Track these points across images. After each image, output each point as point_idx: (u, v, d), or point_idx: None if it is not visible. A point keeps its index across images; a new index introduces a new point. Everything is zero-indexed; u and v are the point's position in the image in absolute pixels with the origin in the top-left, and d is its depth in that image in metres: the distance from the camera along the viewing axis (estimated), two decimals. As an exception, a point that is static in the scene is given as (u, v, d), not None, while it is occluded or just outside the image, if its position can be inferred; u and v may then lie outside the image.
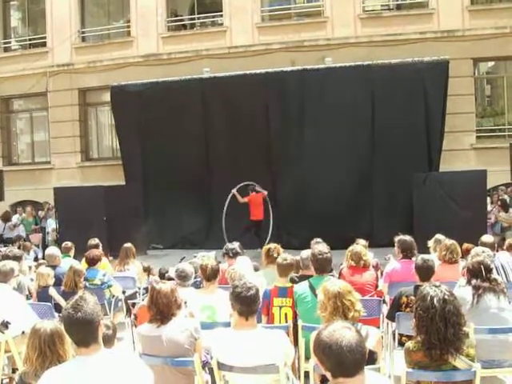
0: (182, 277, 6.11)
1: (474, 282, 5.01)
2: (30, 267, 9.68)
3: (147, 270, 8.71)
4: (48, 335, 3.67)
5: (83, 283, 7.49)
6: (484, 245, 7.35)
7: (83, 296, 3.27)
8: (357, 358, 2.59)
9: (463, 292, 5.00)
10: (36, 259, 13.13)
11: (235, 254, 7.72)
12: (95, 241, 9.53)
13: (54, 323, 3.85)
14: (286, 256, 6.15)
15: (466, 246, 7.69)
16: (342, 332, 2.64)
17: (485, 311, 4.88)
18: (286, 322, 5.59)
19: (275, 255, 6.85)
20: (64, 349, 3.68)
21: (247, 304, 4.19)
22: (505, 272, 7.03)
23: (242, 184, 14.91)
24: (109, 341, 4.25)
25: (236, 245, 7.92)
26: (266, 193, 14.95)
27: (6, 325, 5.33)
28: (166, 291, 4.50)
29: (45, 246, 14.92)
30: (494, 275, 5.26)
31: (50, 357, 3.62)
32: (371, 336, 3.99)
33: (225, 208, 15.00)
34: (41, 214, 17.49)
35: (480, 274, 5.02)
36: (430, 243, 8.06)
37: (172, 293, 4.53)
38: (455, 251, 6.92)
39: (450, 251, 6.93)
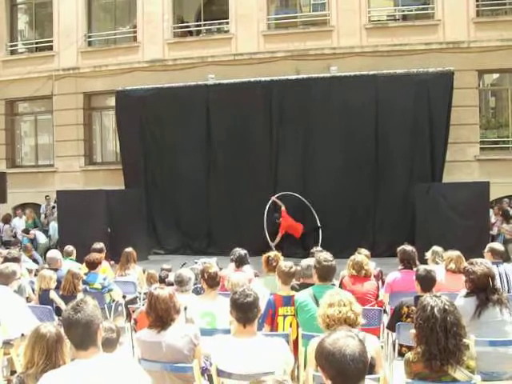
0: (179, 282, 6.14)
1: (481, 294, 4.96)
2: (30, 270, 9.67)
3: (152, 277, 8.68)
4: (54, 340, 3.68)
5: (82, 286, 7.48)
6: (493, 251, 7.36)
7: (84, 299, 3.32)
8: (359, 368, 2.58)
9: (464, 302, 4.98)
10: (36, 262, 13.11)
11: (242, 263, 7.81)
12: (100, 245, 9.49)
13: (56, 327, 3.85)
14: (289, 264, 6.08)
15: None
16: (345, 341, 2.63)
17: (486, 323, 4.85)
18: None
19: (274, 264, 6.85)
20: (64, 352, 3.68)
21: (243, 311, 4.19)
22: (507, 281, 7.00)
23: (285, 193, 15.00)
24: (112, 344, 4.22)
25: (244, 253, 7.97)
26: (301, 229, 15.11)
27: None
28: (164, 297, 4.48)
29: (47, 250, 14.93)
30: (497, 284, 5.24)
31: (54, 361, 3.62)
32: (368, 342, 3.96)
33: (265, 214, 14.82)
34: (43, 217, 17.51)
35: (488, 286, 4.98)
36: (428, 255, 8.07)
37: (170, 298, 4.51)
38: (462, 262, 6.90)
39: (456, 262, 6.92)
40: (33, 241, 15.56)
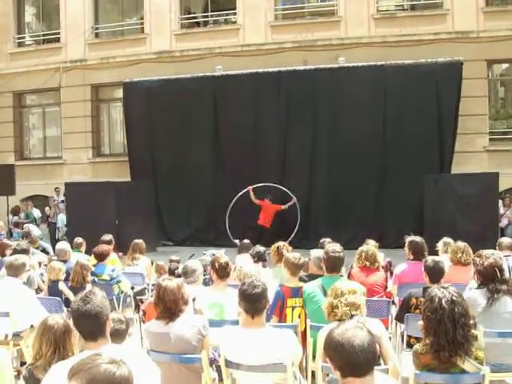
0: (184, 273, 6.18)
1: (491, 285, 4.93)
2: (40, 263, 9.71)
3: (161, 269, 8.69)
4: (62, 331, 3.69)
5: (91, 278, 7.51)
6: (499, 245, 7.32)
7: (92, 290, 3.34)
8: (368, 358, 2.58)
9: (475, 294, 4.95)
10: (45, 251, 13.15)
11: (260, 259, 7.86)
12: (108, 236, 9.51)
13: (64, 318, 3.86)
14: (298, 255, 6.05)
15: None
16: (354, 331, 2.64)
17: (496, 314, 4.83)
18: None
19: (284, 253, 6.85)
20: (72, 343, 3.69)
21: (251, 302, 4.18)
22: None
23: (264, 184, 14.99)
24: (121, 335, 4.23)
25: (263, 249, 8.02)
26: (282, 207, 15.06)
27: None
28: (172, 288, 4.48)
29: (55, 241, 14.96)
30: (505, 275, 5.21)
31: (62, 352, 3.64)
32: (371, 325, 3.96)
33: (232, 202, 15.03)
34: (47, 210, 17.53)
35: (496, 277, 4.95)
36: (439, 246, 8.04)
37: (178, 289, 4.51)
38: (468, 253, 6.87)
39: (463, 253, 6.88)
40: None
